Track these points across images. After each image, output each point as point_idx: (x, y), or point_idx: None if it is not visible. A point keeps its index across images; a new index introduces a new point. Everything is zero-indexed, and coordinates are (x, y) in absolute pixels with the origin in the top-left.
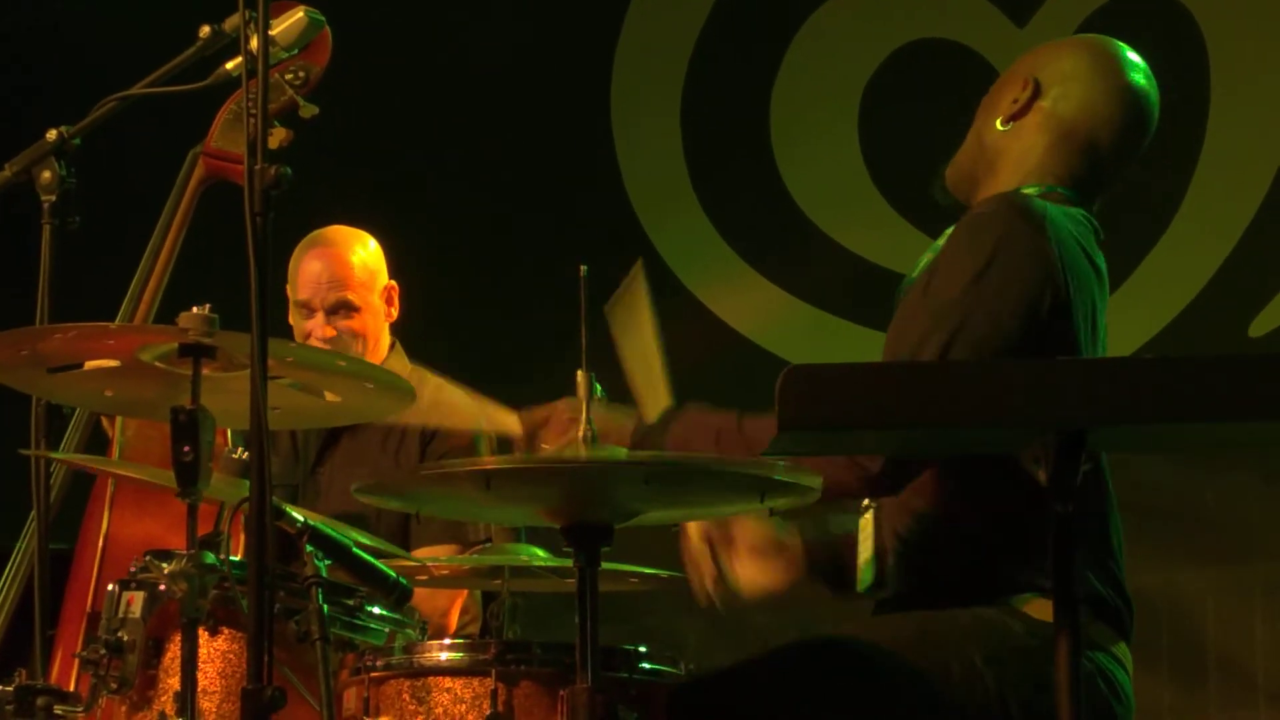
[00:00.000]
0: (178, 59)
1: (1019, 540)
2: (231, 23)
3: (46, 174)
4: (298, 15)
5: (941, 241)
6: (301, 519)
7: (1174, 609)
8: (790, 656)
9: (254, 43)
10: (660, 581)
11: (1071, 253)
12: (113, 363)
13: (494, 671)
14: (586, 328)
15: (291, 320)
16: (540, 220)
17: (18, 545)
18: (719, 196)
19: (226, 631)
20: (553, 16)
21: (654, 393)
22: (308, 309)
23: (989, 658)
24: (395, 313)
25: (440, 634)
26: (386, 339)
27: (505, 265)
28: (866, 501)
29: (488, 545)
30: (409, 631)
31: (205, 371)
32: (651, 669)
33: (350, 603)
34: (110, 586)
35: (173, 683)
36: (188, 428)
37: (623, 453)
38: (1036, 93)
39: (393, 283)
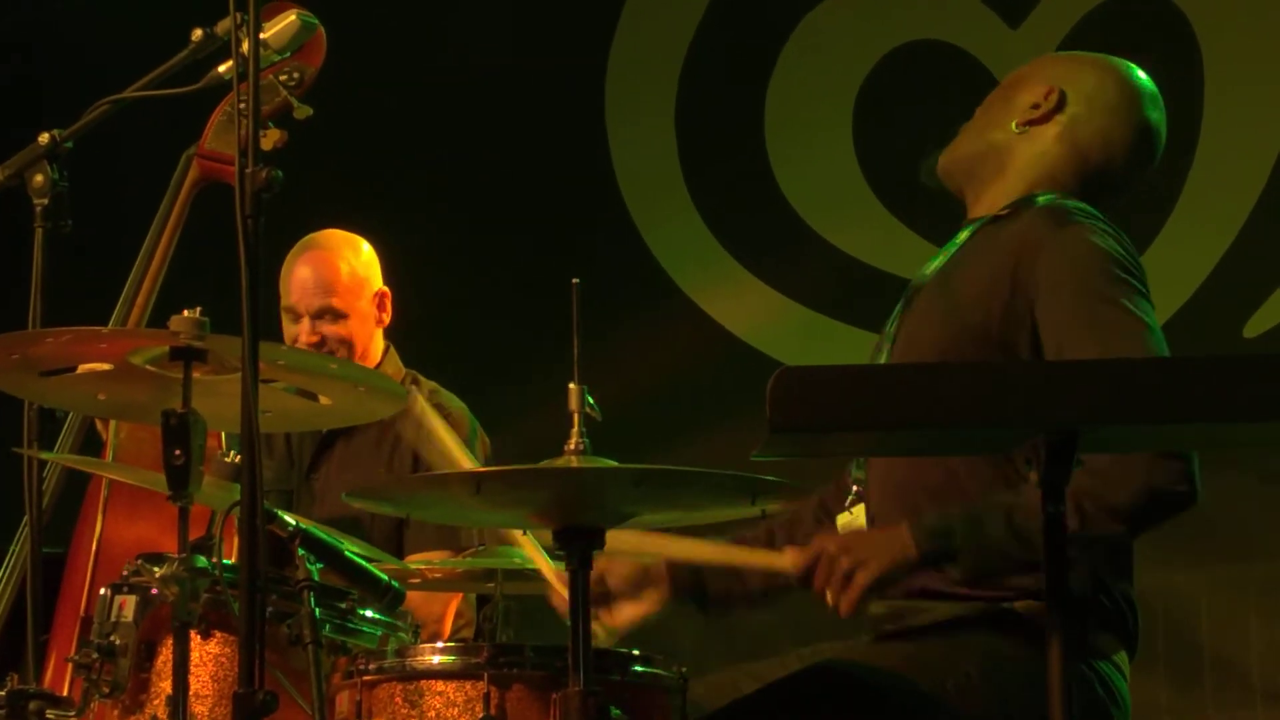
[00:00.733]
0: (170, 62)
1: None
2: (223, 26)
3: (39, 177)
4: (290, 18)
5: (961, 240)
6: (293, 522)
7: (1170, 609)
8: (792, 689)
9: (245, 46)
10: None
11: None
12: (105, 366)
13: (486, 675)
14: (579, 339)
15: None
16: (535, 223)
17: (11, 549)
18: (713, 198)
19: (219, 635)
20: (547, 18)
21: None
22: (294, 314)
23: (985, 669)
24: (388, 318)
25: (435, 639)
26: (379, 344)
27: (501, 268)
28: (851, 498)
29: (481, 549)
30: (401, 635)
31: (196, 375)
32: (644, 671)
33: (343, 606)
34: (103, 590)
35: (165, 687)
36: (179, 431)
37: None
38: (1061, 104)
39: (385, 288)
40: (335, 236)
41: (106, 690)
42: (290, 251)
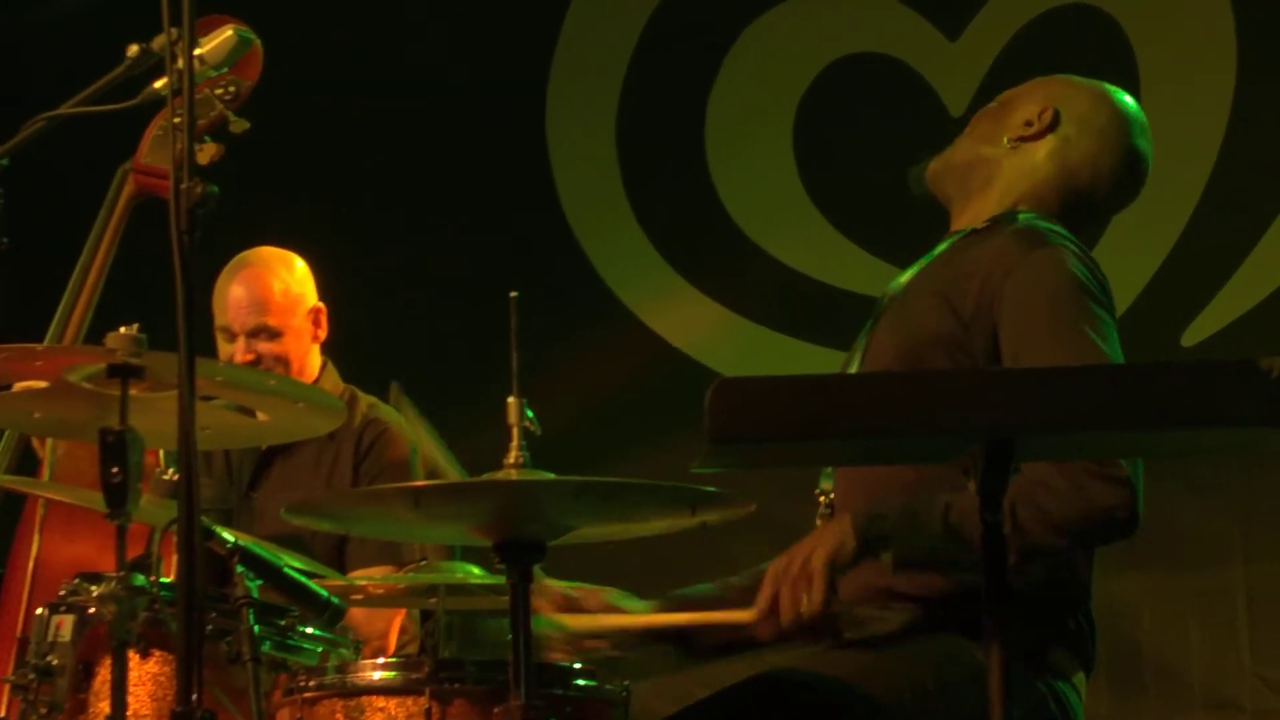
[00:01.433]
0: (106, 78)
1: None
2: (159, 42)
3: None
4: (227, 34)
5: (938, 251)
6: (232, 539)
7: (1109, 618)
8: (743, 695)
9: (181, 62)
10: None
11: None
12: (41, 384)
13: (428, 690)
14: (519, 353)
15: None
16: (475, 235)
17: None
18: (654, 210)
19: (157, 654)
20: (487, 32)
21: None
22: (229, 333)
23: (941, 681)
24: (324, 334)
25: (379, 655)
26: (316, 360)
27: (440, 282)
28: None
29: (424, 564)
30: (342, 651)
31: (134, 392)
32: (587, 685)
33: (282, 623)
34: (39, 610)
35: (103, 706)
36: (116, 449)
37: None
38: (1054, 124)
39: (320, 304)
40: (268, 254)
41: (44, 711)
42: (223, 270)
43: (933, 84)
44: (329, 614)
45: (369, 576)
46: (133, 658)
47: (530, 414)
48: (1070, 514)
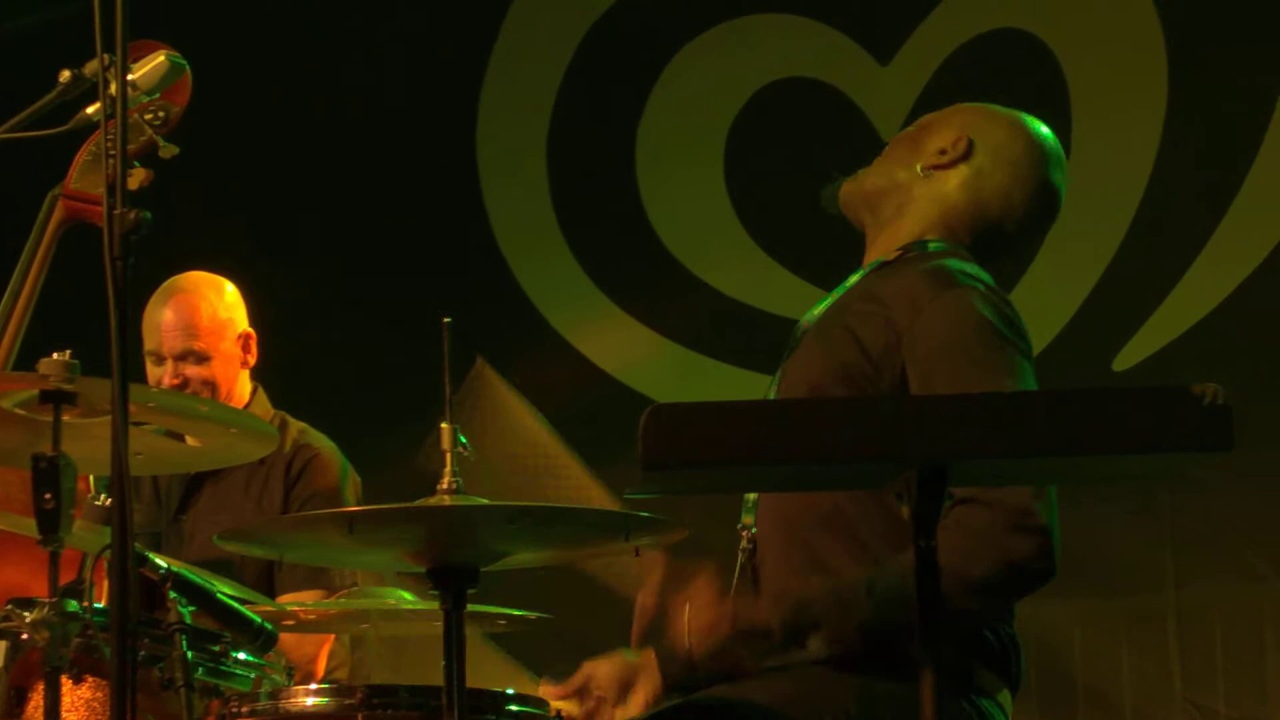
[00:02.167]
0: (38, 103)
1: None
2: (91, 68)
3: None
4: (159, 59)
5: (850, 283)
6: (165, 565)
7: (1042, 642)
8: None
9: (114, 88)
10: (528, 623)
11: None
12: None
13: (360, 716)
14: (450, 379)
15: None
16: (406, 261)
17: None
18: (585, 236)
19: (90, 680)
20: (418, 58)
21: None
22: (156, 357)
23: (864, 706)
24: (253, 359)
25: (309, 680)
26: (245, 385)
27: (372, 308)
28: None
29: (354, 589)
30: (275, 677)
31: (66, 418)
32: (519, 711)
33: (215, 648)
34: None
35: None
36: (49, 475)
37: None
38: (968, 153)
39: (250, 330)
40: (198, 278)
41: None
42: (154, 295)
43: (864, 109)
44: (261, 640)
45: (299, 602)
46: (66, 683)
47: (464, 439)
48: (989, 574)
